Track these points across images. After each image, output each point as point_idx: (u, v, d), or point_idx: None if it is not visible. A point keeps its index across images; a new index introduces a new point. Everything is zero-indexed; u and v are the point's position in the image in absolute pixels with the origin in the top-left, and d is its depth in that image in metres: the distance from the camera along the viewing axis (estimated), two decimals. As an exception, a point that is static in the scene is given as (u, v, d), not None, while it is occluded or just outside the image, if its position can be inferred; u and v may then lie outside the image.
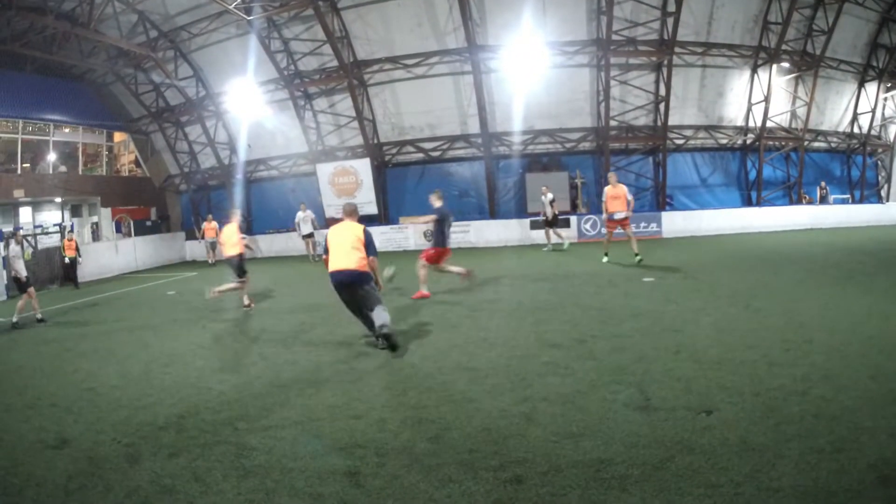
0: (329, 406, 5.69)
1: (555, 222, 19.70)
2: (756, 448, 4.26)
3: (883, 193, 27.75)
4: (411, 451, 4.56)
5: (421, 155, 24.98)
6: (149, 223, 27.56)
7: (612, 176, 15.66)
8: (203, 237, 24.25)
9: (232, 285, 11.94)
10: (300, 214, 22.38)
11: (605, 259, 15.41)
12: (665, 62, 22.22)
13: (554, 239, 19.75)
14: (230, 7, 19.22)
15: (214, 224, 23.11)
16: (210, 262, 23.67)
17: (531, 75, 21.96)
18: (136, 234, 25.64)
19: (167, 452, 4.80)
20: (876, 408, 4.83)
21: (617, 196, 14.92)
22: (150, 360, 8.10)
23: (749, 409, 5.00)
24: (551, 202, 19.25)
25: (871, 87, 26.09)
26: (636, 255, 14.69)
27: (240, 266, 11.88)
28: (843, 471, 3.86)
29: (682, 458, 4.20)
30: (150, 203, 28.96)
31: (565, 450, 4.44)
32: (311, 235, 22.31)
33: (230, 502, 3.99)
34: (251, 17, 20.47)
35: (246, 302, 12.02)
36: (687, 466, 4.06)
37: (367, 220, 23.62)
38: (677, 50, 22.17)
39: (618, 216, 14.98)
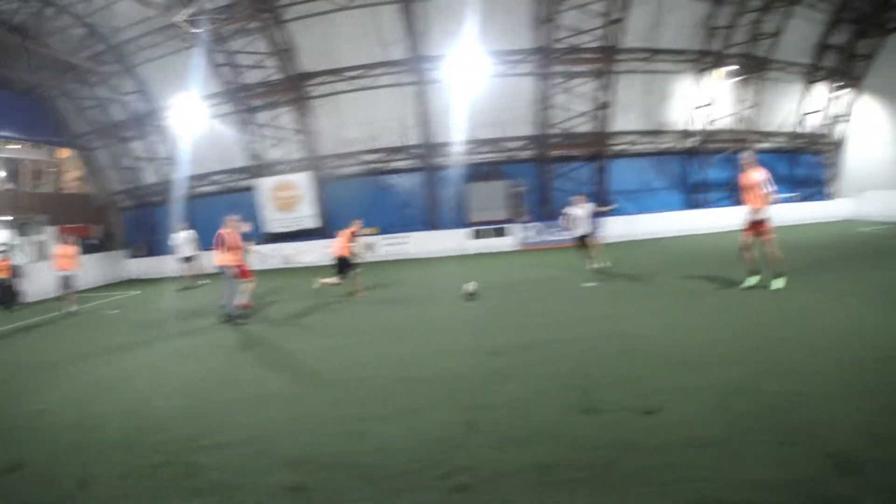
0: (274, 422, 5.71)
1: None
2: (708, 444, 4.39)
3: (831, 190, 28.67)
4: (357, 464, 4.61)
5: (362, 167, 24.80)
6: (94, 241, 26.98)
7: (746, 156, 10.73)
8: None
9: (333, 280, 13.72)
10: (180, 235, 19.82)
11: (748, 283, 10.49)
12: (609, 69, 22.57)
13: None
14: (177, 20, 19.05)
15: (7, 261, 18.14)
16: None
17: (473, 85, 22.00)
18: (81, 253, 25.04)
19: (118, 473, 4.78)
20: (831, 399, 5.00)
21: (749, 185, 10.47)
22: (98, 380, 8.01)
23: (699, 406, 5.12)
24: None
25: (819, 87, 26.76)
26: (762, 278, 10.48)
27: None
28: (801, 461, 4.01)
29: (631, 458, 4.30)
30: (96, 221, 28.33)
31: (510, 456, 4.51)
32: (192, 258, 19.71)
33: (182, 522, 3.99)
34: (197, 31, 20.29)
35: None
36: (636, 466, 4.17)
37: (308, 234, 23.90)
38: (622, 56, 22.55)
39: (754, 216, 10.48)
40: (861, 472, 3.84)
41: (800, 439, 4.33)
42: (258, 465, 4.75)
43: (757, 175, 10.41)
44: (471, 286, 12.22)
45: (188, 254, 19.62)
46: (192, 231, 19.71)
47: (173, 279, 21.30)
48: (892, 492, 3.61)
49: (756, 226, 10.43)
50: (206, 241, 19.28)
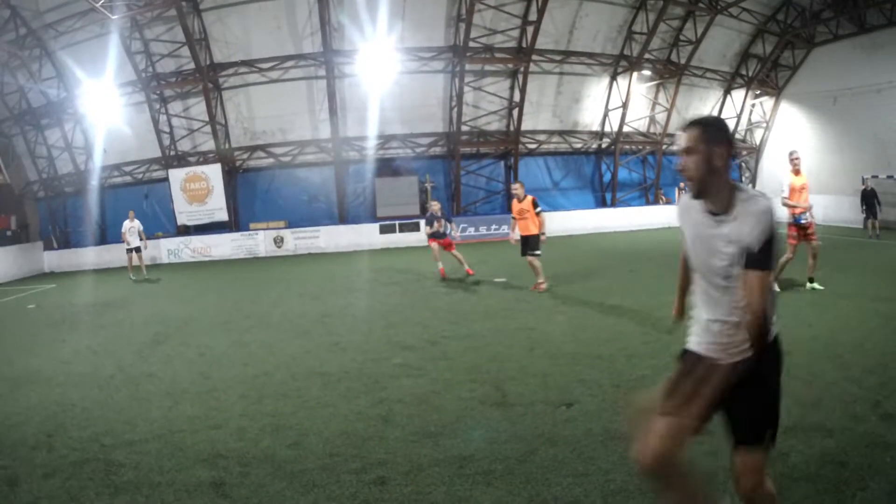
0: (189, 417, 5.66)
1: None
2: (622, 437, 4.39)
3: (749, 193, 29.07)
4: (273, 459, 4.60)
5: (272, 160, 24.43)
6: (9, 233, 26.25)
7: (794, 156, 9.78)
8: None
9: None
10: (127, 224, 18.18)
11: (810, 286, 9.84)
12: (521, 69, 22.74)
13: None
14: (97, 5, 18.44)
15: None
16: None
17: (385, 80, 22.01)
18: (-4, 244, 24.26)
19: (42, 472, 4.66)
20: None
21: (802, 187, 9.69)
22: (15, 377, 7.73)
23: (611, 400, 5.25)
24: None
25: (738, 94, 27.43)
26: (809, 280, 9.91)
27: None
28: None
29: (546, 450, 4.37)
30: (11, 211, 27.60)
31: (425, 449, 4.57)
32: (138, 249, 18.25)
33: (105, 520, 3.94)
34: (115, 17, 19.57)
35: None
36: (552, 458, 4.24)
37: (217, 228, 23.43)
38: (534, 57, 22.71)
39: (804, 219, 9.68)
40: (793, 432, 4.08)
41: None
42: (175, 462, 4.68)
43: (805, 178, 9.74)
44: None
45: (136, 244, 18.26)
46: (137, 221, 18.40)
47: (91, 272, 21.27)
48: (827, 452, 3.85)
49: (801, 230, 9.69)
50: (119, 233, 18.39)
